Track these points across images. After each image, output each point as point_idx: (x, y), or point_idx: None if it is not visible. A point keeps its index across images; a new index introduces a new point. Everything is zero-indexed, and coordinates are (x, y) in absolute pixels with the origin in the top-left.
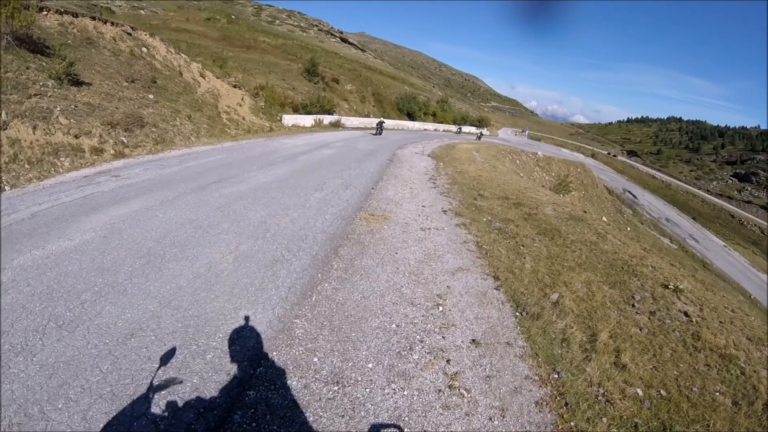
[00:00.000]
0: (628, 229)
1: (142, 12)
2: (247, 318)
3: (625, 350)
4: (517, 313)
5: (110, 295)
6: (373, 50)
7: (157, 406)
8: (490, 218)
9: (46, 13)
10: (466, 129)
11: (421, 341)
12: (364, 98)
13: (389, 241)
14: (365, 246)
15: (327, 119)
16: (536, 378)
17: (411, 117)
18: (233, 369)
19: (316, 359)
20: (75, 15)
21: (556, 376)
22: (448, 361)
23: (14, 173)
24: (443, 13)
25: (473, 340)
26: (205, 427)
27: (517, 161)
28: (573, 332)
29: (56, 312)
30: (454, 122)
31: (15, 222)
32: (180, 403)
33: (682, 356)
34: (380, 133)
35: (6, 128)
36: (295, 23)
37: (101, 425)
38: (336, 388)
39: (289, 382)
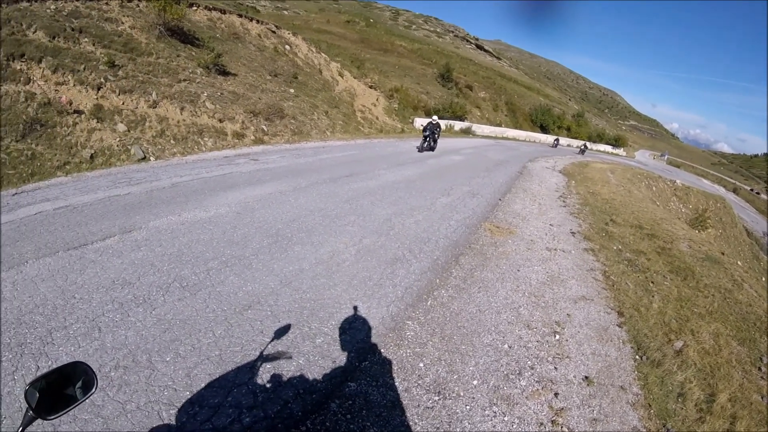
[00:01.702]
0: (763, 279)
1: (285, 12)
2: (360, 310)
3: (742, 418)
4: (637, 356)
5: (236, 266)
6: (509, 58)
7: (261, 377)
8: (620, 247)
9: (195, 8)
10: (564, 142)
11: (532, 368)
12: (497, 107)
13: (512, 256)
14: (487, 258)
15: (458, 125)
16: (644, 431)
17: (544, 129)
18: (339, 358)
19: (421, 365)
20: (223, 11)
21: None
22: (556, 394)
23: (160, 146)
24: (582, 23)
25: (586, 377)
26: (301, 407)
27: (654, 188)
28: (691, 387)
29: (182, 274)
30: (589, 138)
31: (156, 189)
32: (283, 379)
33: None
34: (432, 147)
35: (156, 107)
36: (432, 29)
37: (203, 385)
38: (437, 398)
39: (391, 382)
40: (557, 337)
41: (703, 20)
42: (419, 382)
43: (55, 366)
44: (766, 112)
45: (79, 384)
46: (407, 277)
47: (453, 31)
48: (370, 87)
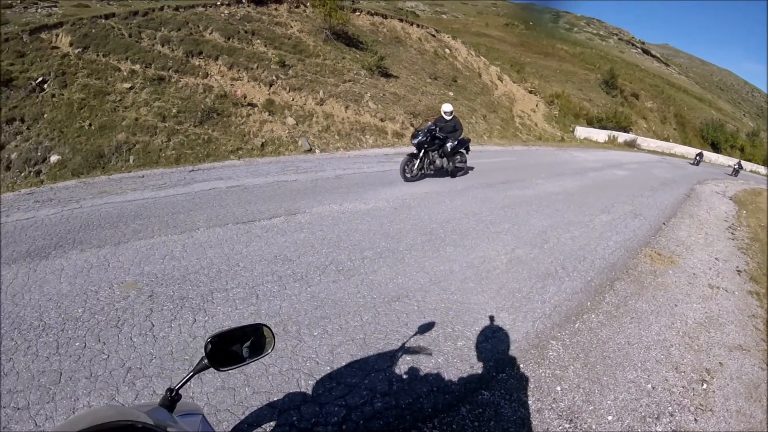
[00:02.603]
0: None
1: (443, 16)
2: (505, 321)
3: None
4: None
5: (389, 259)
6: (678, 65)
7: (399, 368)
8: None
9: (359, 13)
10: (708, 158)
11: (671, 414)
12: (665, 119)
13: (671, 289)
14: (644, 287)
15: (622, 137)
16: None
17: (715, 148)
18: (477, 364)
19: (559, 388)
20: (384, 17)
21: None
22: None
23: (325, 140)
24: (760, 27)
25: None
26: (432, 404)
27: None
28: None
29: (339, 258)
30: (765, 162)
31: (321, 179)
32: (419, 374)
33: None
34: (447, 168)
35: (323, 104)
36: (594, 31)
37: (344, 363)
38: (568, 425)
39: (525, 399)
40: (704, 386)
41: None
42: (553, 405)
43: (236, 325)
44: None
45: (247, 344)
46: (557, 294)
47: (617, 34)
48: (530, 92)
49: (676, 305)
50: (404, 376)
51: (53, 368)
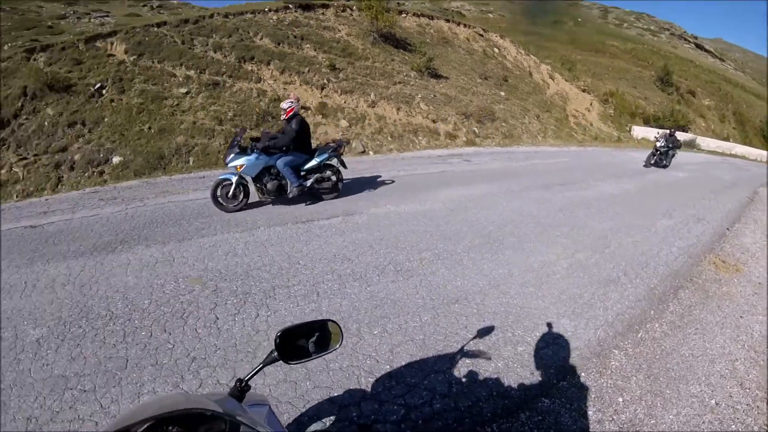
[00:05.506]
0: None
1: (490, 15)
2: (566, 328)
3: None
4: None
5: (447, 260)
6: (733, 60)
7: (458, 370)
8: None
9: (405, 15)
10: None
11: None
12: (724, 117)
13: (736, 299)
14: (708, 296)
15: (680, 137)
16: None
17: None
18: (538, 371)
19: (620, 399)
20: (431, 18)
21: None
22: None
23: (378, 142)
24: None
25: None
26: (491, 409)
27: None
28: None
29: (397, 259)
30: None
31: (375, 180)
32: (479, 378)
33: None
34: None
35: (374, 106)
36: (645, 26)
37: (403, 363)
38: None
39: (585, 409)
40: None
41: None
42: (614, 417)
43: (300, 321)
44: None
45: (313, 339)
46: (620, 302)
47: (668, 29)
48: (583, 90)
49: (741, 317)
50: (463, 379)
51: (120, 355)
